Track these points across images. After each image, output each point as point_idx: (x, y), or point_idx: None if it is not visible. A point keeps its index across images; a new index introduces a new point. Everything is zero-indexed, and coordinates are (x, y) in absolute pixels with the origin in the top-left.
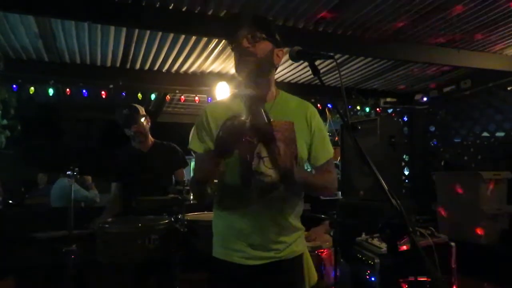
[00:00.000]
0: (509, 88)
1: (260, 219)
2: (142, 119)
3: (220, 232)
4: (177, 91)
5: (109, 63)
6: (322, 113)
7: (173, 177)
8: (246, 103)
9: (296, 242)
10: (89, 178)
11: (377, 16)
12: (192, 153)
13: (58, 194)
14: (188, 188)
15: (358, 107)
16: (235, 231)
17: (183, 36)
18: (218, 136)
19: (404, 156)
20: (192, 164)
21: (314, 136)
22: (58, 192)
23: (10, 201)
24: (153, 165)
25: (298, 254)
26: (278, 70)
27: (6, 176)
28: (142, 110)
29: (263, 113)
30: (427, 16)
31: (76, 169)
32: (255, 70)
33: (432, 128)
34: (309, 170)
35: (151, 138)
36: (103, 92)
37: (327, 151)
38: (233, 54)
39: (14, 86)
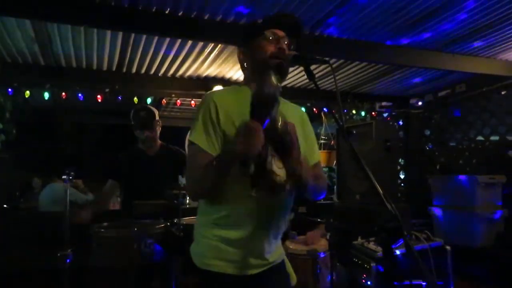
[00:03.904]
0: (503, 92)
1: (263, 221)
2: (156, 125)
3: (212, 243)
4: (173, 95)
5: (105, 67)
6: (317, 117)
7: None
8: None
9: (280, 245)
10: (80, 182)
11: (372, 21)
12: (187, 145)
13: (51, 199)
14: (184, 192)
15: (354, 111)
16: (231, 240)
17: (179, 41)
18: (239, 141)
19: (400, 160)
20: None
21: (307, 140)
22: (50, 196)
23: (5, 205)
24: (158, 170)
25: (283, 257)
26: None
27: (1, 180)
28: (157, 115)
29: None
30: (422, 20)
31: (72, 173)
32: (286, 71)
33: (428, 132)
34: None
35: (159, 142)
36: (99, 96)
37: (317, 154)
38: (255, 47)
39: (10, 90)
